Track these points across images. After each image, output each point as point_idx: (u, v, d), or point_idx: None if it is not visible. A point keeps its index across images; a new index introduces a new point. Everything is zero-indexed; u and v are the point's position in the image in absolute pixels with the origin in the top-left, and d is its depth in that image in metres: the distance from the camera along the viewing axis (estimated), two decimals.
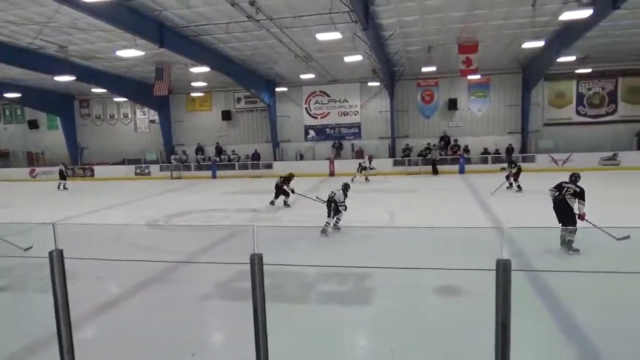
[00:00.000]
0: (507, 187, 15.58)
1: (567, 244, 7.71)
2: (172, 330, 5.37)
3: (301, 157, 26.11)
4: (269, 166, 25.13)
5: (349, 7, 12.28)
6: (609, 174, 20.15)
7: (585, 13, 11.61)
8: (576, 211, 7.75)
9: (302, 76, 21.64)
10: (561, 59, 19.17)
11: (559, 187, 8.05)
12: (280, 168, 24.69)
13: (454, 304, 5.94)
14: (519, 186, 15.38)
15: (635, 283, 5.31)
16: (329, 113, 26.04)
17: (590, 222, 7.63)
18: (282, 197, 13.98)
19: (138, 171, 26.42)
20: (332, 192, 9.94)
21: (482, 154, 23.60)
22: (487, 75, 23.48)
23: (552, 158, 22.24)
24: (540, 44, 16.32)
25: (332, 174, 23.79)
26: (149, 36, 14.69)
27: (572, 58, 19.37)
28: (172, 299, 6.45)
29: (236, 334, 5.06)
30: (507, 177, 15.68)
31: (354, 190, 12.02)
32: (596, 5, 12.64)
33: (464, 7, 14.12)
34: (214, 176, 25.16)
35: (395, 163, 23.74)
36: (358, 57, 17.22)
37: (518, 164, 16.10)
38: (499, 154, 23.28)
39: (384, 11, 14.31)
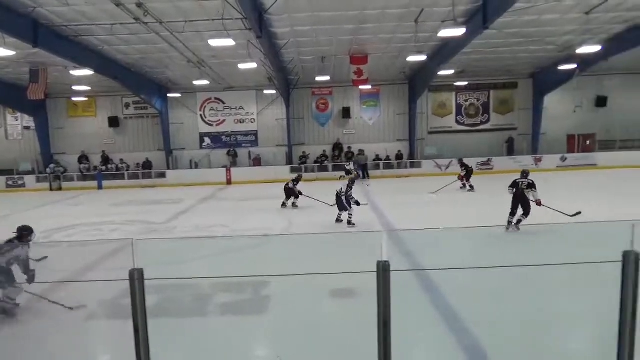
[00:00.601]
0: (460, 187, 17.14)
1: (516, 225, 9.59)
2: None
3: (196, 166, 25.31)
4: (162, 175, 24.02)
5: (242, 14, 12.22)
6: (485, 177, 22.23)
7: (460, 31, 12.79)
8: (532, 199, 9.56)
9: (196, 82, 21.05)
10: (442, 72, 20.82)
11: (514, 185, 9.78)
12: (174, 177, 23.75)
13: (347, 305, 6.12)
14: (471, 186, 16.89)
15: (514, 275, 5.87)
16: (224, 120, 25.60)
17: (547, 206, 9.67)
18: (292, 199, 14.45)
19: (10, 183, 23.72)
20: (340, 188, 11.28)
21: (375, 160, 24.75)
22: (377, 86, 24.74)
23: (437, 163, 24.01)
24: (423, 58, 17.57)
25: (229, 182, 23.40)
26: (21, 34, 13.32)
27: (451, 72, 21.17)
28: (56, 323, 5.86)
29: (123, 354, 4.73)
30: (460, 179, 17.23)
31: (260, 198, 11.91)
32: (469, 25, 13.96)
33: (354, 20, 14.76)
34: (100, 187, 23.43)
35: (293, 170, 23.98)
36: (253, 65, 17.18)
37: (470, 167, 17.62)
38: (390, 160, 24.61)
39: (278, 20, 14.46)
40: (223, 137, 25.69)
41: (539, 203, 9.58)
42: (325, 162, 24.40)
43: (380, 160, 24.66)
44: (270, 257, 6.24)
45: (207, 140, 25.73)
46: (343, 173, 16.78)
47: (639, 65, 23.59)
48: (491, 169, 23.73)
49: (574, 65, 19.82)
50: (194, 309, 6.27)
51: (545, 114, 24.83)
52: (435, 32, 14.17)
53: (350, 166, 21.07)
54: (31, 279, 6.00)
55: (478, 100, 25.47)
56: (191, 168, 25.15)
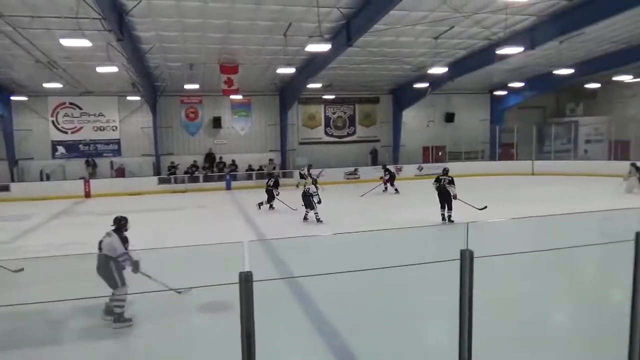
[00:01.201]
0: (383, 191, 18.93)
1: (447, 218, 11.75)
2: None
3: (47, 177, 22.70)
4: (4, 188, 21.08)
5: (99, 14, 11.34)
6: (352, 186, 23.46)
7: (326, 47, 13.41)
8: (452, 192, 11.62)
9: (47, 85, 18.90)
10: (311, 85, 21.59)
11: (438, 180, 11.93)
12: (20, 190, 21.01)
13: (216, 319, 5.98)
14: (396, 189, 18.81)
15: (375, 277, 6.23)
16: (82, 128, 23.43)
17: (461, 200, 11.85)
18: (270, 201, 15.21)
19: None
20: (307, 187, 12.78)
21: (247, 170, 24.64)
22: (248, 96, 24.72)
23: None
24: (292, 70, 18.02)
25: (87, 195, 21.40)
26: None
27: (319, 85, 22.04)
28: None
29: None
30: (384, 182, 19.02)
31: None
32: (334, 42, 14.70)
33: (222, 29, 14.61)
34: None
35: (161, 181, 22.82)
36: (114, 69, 15.99)
37: (392, 171, 19.77)
38: (262, 170, 24.70)
39: (141, 23, 13.72)
40: (80, 145, 23.48)
41: (454, 197, 11.70)
42: (196, 172, 23.65)
43: (253, 170, 24.62)
44: (132, 275, 5.82)
45: (61, 149, 23.30)
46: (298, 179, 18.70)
47: (479, 86, 27.02)
48: (358, 178, 25.12)
49: (426, 84, 21.96)
50: (46, 338, 5.60)
51: (404, 127, 27.11)
52: (303, 46, 14.65)
53: (304, 170, 21.05)
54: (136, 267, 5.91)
55: (345, 113, 26.89)
56: (42, 180, 22.50)
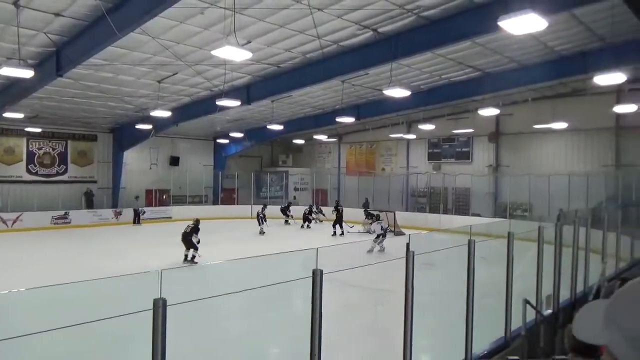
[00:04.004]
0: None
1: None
2: None
3: None
4: None
5: None
6: (61, 232, 20.60)
7: (28, 73, 11.63)
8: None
9: None
10: (9, 114, 18.34)
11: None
12: None
13: None
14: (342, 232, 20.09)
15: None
16: None
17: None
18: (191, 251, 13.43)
19: None
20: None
21: None
22: None
23: (1, 218, 20.59)
24: None
25: None
26: None
27: (21, 115, 18.91)
28: None
29: None
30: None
31: None
32: (40, 69, 12.96)
33: None
34: None
35: None
36: None
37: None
38: None
39: None
40: None
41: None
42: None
43: None
44: None
45: None
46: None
47: (203, 132, 28.01)
48: (69, 222, 22.28)
49: (150, 126, 21.46)
50: None
51: (126, 168, 25.64)
52: None
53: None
54: None
55: (54, 149, 23.75)
56: None
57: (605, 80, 12.01)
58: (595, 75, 12.03)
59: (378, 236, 15.52)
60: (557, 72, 15.54)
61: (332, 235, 19.74)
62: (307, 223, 22.93)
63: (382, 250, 15.07)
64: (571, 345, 2.89)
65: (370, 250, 14.95)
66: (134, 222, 23.99)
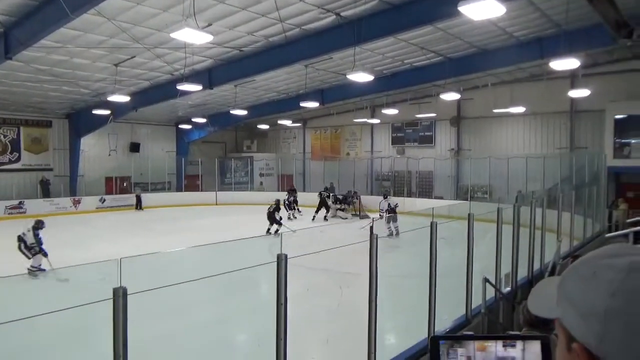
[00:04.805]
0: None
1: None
2: None
3: None
4: None
5: None
6: (16, 222, 19.79)
7: None
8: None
9: None
10: None
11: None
12: None
13: None
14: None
15: None
16: None
17: None
18: (275, 226, 15.63)
19: None
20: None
21: None
22: None
23: None
24: None
25: None
26: None
27: None
28: None
29: None
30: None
31: None
32: None
33: None
34: None
35: None
36: None
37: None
38: None
39: None
40: None
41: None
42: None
43: None
44: None
45: None
46: None
47: (165, 118, 27.33)
48: (24, 212, 21.41)
49: (108, 112, 20.70)
50: None
51: (83, 155, 24.76)
52: None
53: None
54: None
55: (5, 136, 22.63)
56: None
57: (560, 65, 12.44)
58: (551, 61, 12.43)
59: (389, 216, 15.58)
60: (516, 57, 15.98)
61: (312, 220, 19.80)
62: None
63: (396, 233, 14.28)
64: (525, 320, 3.06)
65: (391, 235, 14.30)
66: (136, 208, 24.74)
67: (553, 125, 21.14)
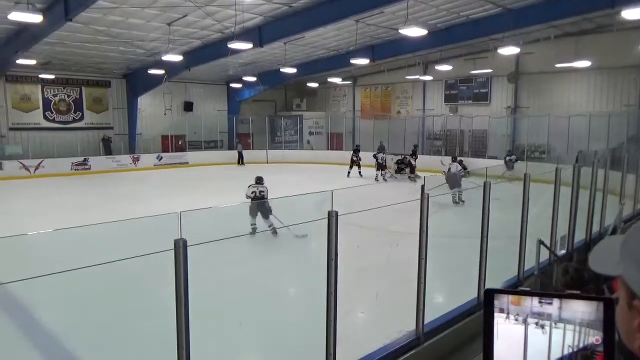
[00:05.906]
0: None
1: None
2: None
3: None
4: None
5: None
6: (82, 177, 21.09)
7: (37, 18, 11.48)
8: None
9: None
10: (22, 61, 18.29)
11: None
12: None
13: None
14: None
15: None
16: None
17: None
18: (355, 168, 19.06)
19: None
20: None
21: None
22: None
23: (23, 165, 21.09)
24: None
25: None
26: None
27: (33, 62, 18.84)
28: None
29: None
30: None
31: None
32: (49, 13, 12.76)
33: None
34: None
35: None
36: None
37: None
38: None
39: None
40: None
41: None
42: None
43: None
44: None
45: None
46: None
47: (216, 77, 27.69)
48: (89, 169, 22.75)
49: (162, 71, 21.23)
50: None
51: (141, 114, 25.71)
52: (6, 12, 12.25)
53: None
54: None
55: (69, 96, 23.80)
56: None
57: (633, 14, 11.42)
58: (623, 10, 11.43)
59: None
60: (583, 6, 14.76)
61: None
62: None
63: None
64: (565, 282, 3.00)
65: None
66: (238, 163, 26.09)
67: (621, 80, 19.68)
